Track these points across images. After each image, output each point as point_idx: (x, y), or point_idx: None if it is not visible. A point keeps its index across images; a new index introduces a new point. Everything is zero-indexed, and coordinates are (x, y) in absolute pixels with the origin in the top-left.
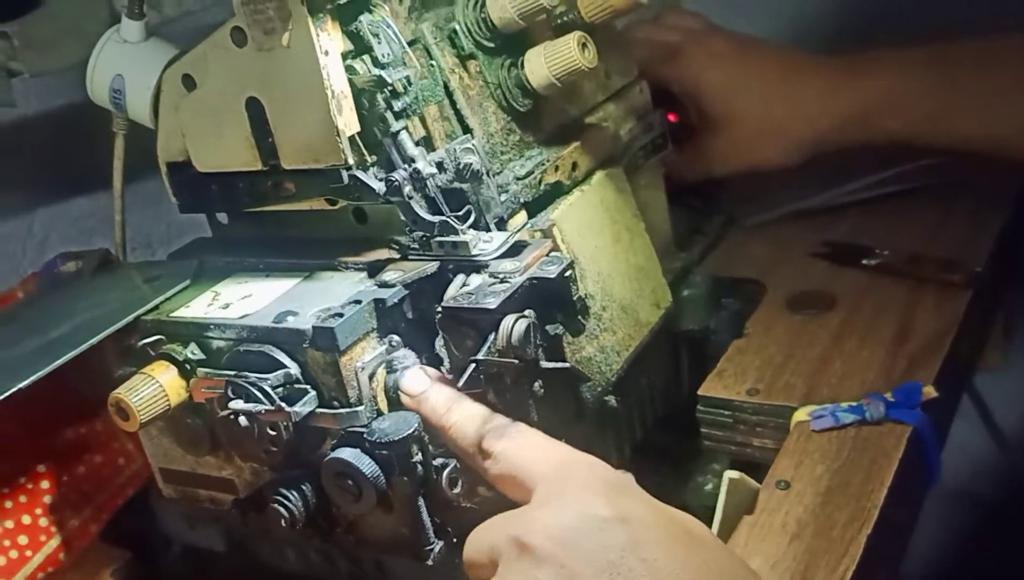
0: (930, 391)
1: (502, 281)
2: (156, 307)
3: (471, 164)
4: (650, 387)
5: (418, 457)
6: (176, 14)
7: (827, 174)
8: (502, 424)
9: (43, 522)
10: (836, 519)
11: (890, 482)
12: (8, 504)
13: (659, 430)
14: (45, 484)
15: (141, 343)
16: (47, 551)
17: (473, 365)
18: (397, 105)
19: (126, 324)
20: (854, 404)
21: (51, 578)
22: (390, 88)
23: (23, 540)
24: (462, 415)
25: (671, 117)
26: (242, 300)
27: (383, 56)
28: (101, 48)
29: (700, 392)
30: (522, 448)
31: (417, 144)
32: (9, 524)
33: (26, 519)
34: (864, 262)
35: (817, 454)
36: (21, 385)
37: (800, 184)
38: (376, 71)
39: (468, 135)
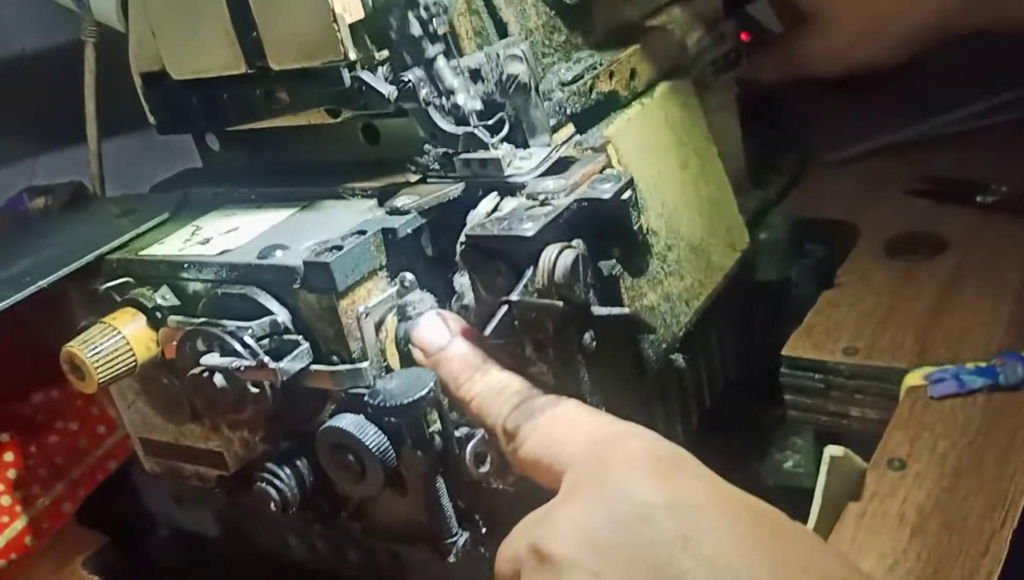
0: None
1: (543, 203)
2: (126, 245)
3: (517, 76)
4: (721, 345)
5: (436, 426)
6: None
7: (923, 102)
8: (532, 398)
9: (5, 500)
10: (969, 508)
11: None
12: None
13: (730, 396)
14: (9, 456)
15: (105, 286)
16: (10, 534)
17: (505, 308)
18: (434, 26)
19: (87, 263)
20: (983, 365)
21: (14, 566)
22: (428, 11)
23: None
24: (486, 386)
25: (743, 35)
26: (225, 234)
27: None
28: None
29: (785, 352)
30: (551, 425)
31: (447, 54)
32: None
33: None
34: (978, 199)
35: (939, 427)
36: None
37: (892, 113)
38: None
39: (515, 37)
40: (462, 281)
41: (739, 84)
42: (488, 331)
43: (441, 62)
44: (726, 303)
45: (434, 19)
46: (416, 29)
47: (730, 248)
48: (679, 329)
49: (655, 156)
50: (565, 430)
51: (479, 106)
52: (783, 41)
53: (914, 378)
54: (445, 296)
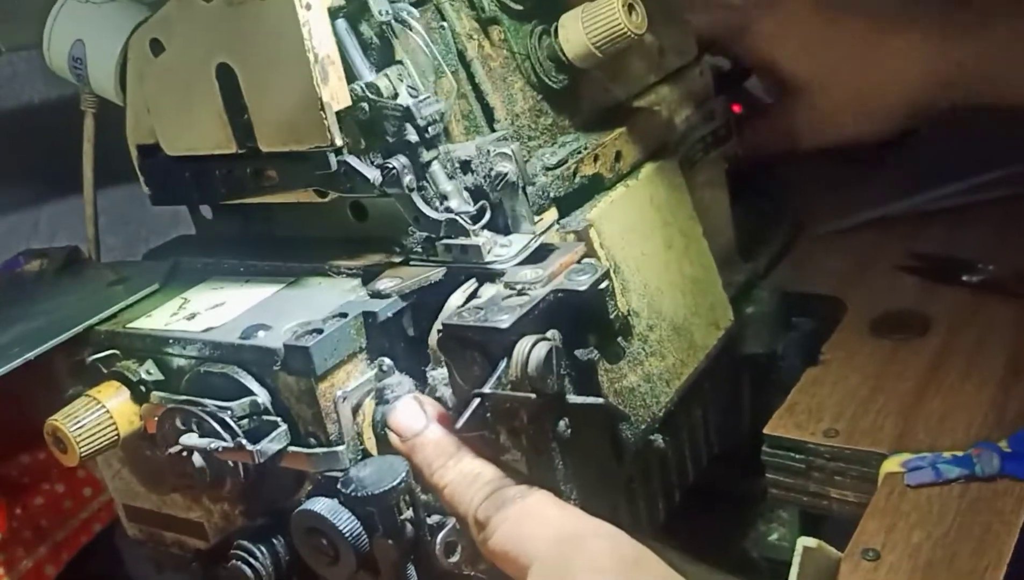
0: None
1: (520, 293)
2: (114, 316)
3: (506, 174)
4: (705, 421)
5: (408, 514)
6: None
7: (914, 176)
8: (503, 489)
9: None
10: None
11: (1009, 555)
12: None
13: (716, 467)
14: None
15: (92, 358)
16: None
17: (477, 400)
18: (430, 133)
19: (75, 334)
20: (960, 454)
21: None
22: (424, 120)
23: None
24: (459, 474)
25: (735, 108)
26: (212, 309)
27: (380, 13)
28: (59, 8)
29: (767, 431)
30: (520, 518)
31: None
32: None
33: None
34: (964, 278)
35: (914, 516)
36: None
37: (883, 187)
38: (405, 99)
39: (505, 132)
40: (434, 374)
41: (728, 160)
42: (460, 424)
43: (436, 167)
44: (710, 379)
45: (430, 127)
46: (413, 136)
47: (713, 327)
48: (659, 410)
49: (638, 237)
50: (532, 525)
51: (472, 210)
52: (773, 115)
53: (892, 464)
54: (424, 377)
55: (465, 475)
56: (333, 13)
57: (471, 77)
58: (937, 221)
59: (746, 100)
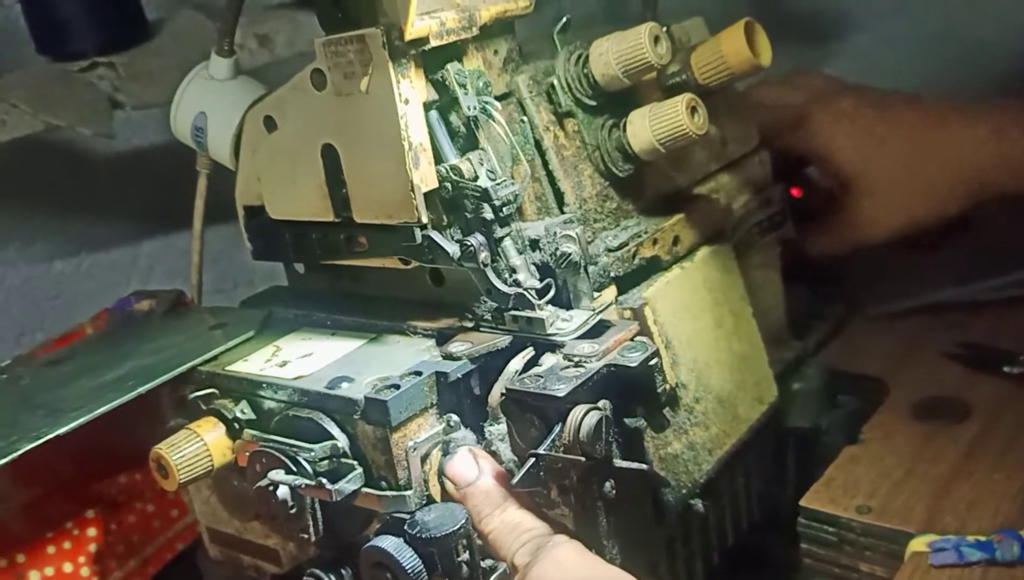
0: None
1: (576, 365)
2: (215, 358)
3: (570, 255)
4: (747, 488)
5: (464, 556)
6: (288, 55)
7: (967, 266)
8: (540, 538)
9: (84, 572)
10: None
11: None
12: (51, 549)
13: (758, 533)
14: (92, 531)
15: (193, 395)
16: None
17: (532, 460)
18: (504, 213)
19: (180, 373)
20: (983, 539)
21: None
22: (500, 201)
23: None
24: (504, 523)
25: (794, 192)
26: (301, 358)
27: (469, 108)
28: (187, 84)
29: (803, 503)
30: (547, 565)
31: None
32: (49, 571)
33: (67, 567)
34: (1006, 370)
35: None
36: (59, 431)
37: (936, 275)
38: (484, 182)
39: (571, 215)
40: (491, 430)
41: (782, 242)
42: (516, 481)
43: (507, 242)
44: (753, 449)
45: (505, 207)
46: (489, 214)
47: (757, 401)
48: (700, 476)
49: (690, 316)
50: (557, 571)
51: (537, 285)
52: (836, 213)
53: (918, 544)
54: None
55: (508, 523)
56: (427, 106)
57: (545, 164)
58: (986, 311)
59: (806, 185)
